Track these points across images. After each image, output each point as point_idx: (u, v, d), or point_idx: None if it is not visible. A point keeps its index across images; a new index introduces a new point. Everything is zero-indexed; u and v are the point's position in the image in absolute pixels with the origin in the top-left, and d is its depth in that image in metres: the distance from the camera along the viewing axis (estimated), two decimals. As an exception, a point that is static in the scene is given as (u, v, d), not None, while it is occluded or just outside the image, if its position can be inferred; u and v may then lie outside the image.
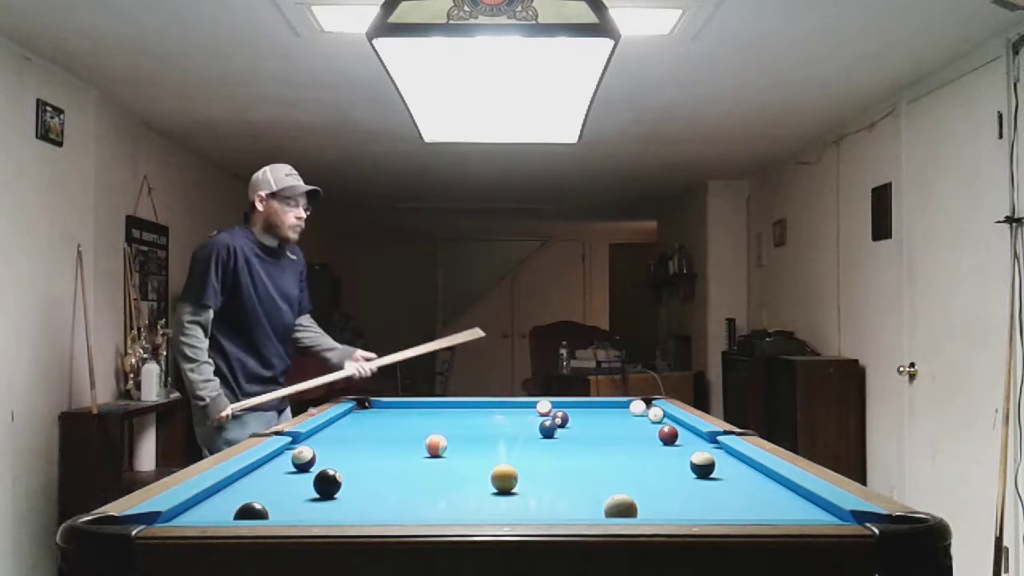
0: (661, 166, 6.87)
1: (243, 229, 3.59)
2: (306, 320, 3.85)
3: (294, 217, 3.54)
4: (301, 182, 3.59)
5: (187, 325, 3.39)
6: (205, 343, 3.42)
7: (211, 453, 3.27)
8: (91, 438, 4.24)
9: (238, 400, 3.45)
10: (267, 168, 3.60)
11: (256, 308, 3.51)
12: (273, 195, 3.53)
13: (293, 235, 3.58)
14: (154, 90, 4.63)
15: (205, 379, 3.39)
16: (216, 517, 1.63)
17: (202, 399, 3.37)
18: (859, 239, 5.19)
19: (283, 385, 3.63)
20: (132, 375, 4.90)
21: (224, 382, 3.46)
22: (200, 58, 4.08)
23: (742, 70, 4.28)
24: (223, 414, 3.38)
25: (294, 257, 3.73)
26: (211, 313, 3.43)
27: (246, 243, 3.52)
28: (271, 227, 3.56)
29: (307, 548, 1.39)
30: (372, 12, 2.31)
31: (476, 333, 3.86)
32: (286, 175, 3.57)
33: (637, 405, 3.60)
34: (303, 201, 3.58)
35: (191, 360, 3.37)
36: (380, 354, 3.82)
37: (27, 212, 4.03)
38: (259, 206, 3.55)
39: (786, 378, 5.33)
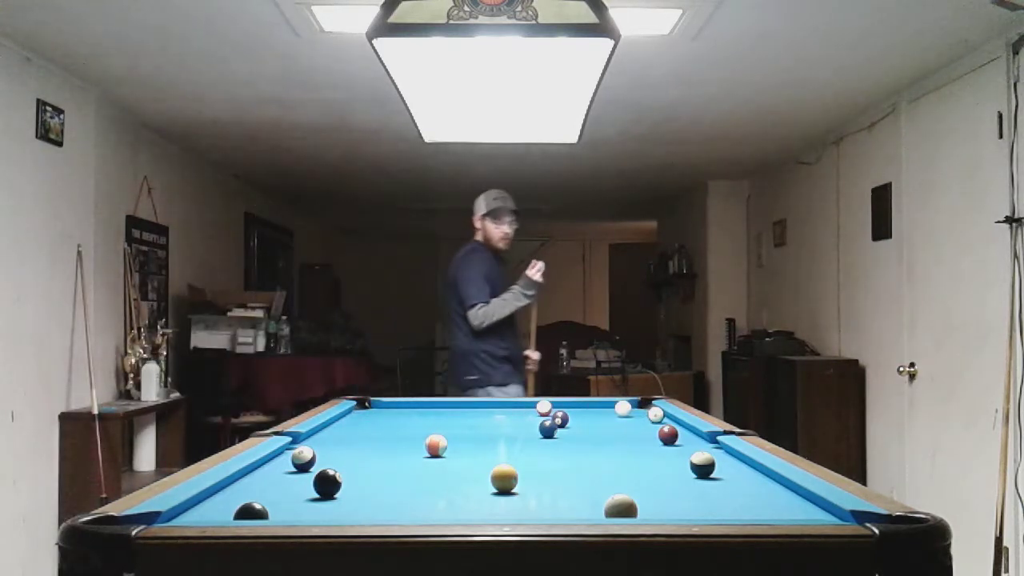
0: (661, 166, 6.87)
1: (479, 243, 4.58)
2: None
3: (502, 232, 4.53)
4: (508, 204, 4.54)
5: (479, 310, 4.33)
6: (488, 306, 4.37)
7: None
8: (91, 438, 4.24)
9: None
10: (482, 194, 4.57)
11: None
12: (485, 216, 4.50)
13: (503, 246, 4.57)
14: (154, 90, 4.63)
15: (507, 299, 4.38)
16: (216, 517, 1.62)
17: (527, 295, 4.41)
18: (859, 239, 5.19)
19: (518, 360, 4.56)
20: (132, 375, 4.90)
21: (476, 359, 4.36)
22: (200, 58, 4.08)
23: (742, 70, 4.28)
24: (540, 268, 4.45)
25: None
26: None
27: (487, 253, 4.56)
28: (487, 241, 4.54)
29: (307, 548, 1.39)
30: (372, 12, 2.31)
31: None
32: (494, 199, 4.54)
33: (622, 406, 3.41)
34: (508, 218, 4.52)
35: (500, 311, 4.35)
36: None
37: (27, 212, 4.03)
38: (477, 224, 4.57)
39: (786, 378, 5.33)
